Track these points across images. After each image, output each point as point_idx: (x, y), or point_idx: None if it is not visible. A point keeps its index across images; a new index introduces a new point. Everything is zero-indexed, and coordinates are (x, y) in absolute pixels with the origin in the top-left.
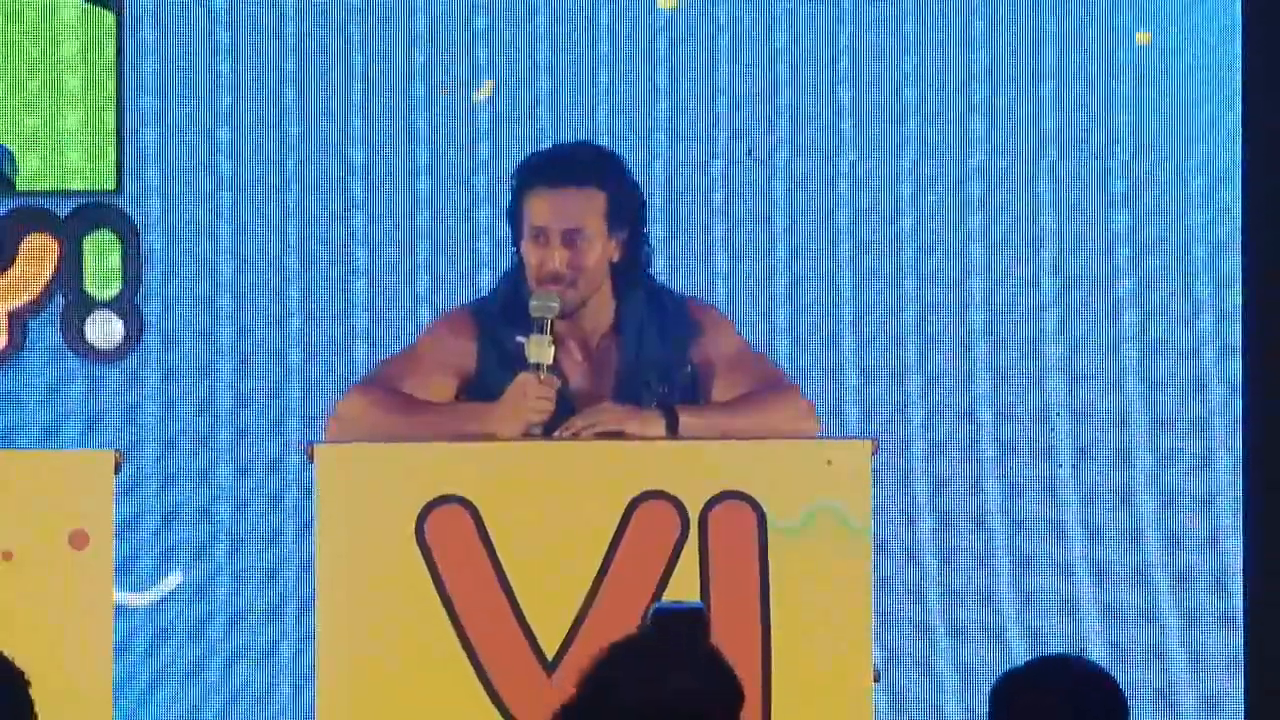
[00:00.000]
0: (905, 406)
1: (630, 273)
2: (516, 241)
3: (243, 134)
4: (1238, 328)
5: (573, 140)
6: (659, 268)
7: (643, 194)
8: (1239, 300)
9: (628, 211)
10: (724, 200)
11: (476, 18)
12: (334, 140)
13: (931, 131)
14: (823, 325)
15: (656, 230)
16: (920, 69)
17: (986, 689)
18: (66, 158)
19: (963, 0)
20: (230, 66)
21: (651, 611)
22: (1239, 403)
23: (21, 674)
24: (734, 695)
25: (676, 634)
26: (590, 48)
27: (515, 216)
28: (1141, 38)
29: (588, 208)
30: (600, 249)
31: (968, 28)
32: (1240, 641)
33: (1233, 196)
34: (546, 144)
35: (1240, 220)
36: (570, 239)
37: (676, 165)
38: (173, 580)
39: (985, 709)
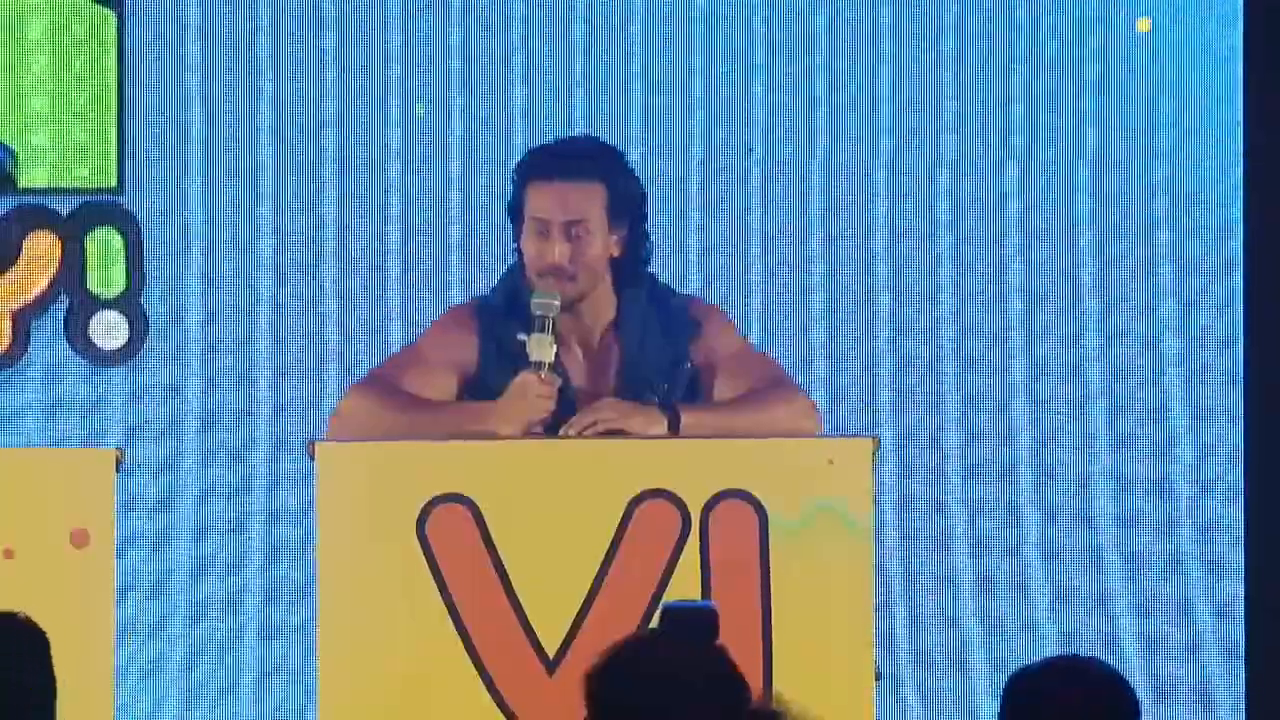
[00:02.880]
0: (940, 400)
1: (631, 268)
2: (517, 236)
3: (247, 130)
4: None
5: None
6: (691, 265)
7: (644, 189)
8: (1239, 292)
9: (629, 206)
10: (759, 195)
11: (512, 5)
12: (342, 134)
13: (969, 125)
14: (856, 319)
15: (690, 229)
16: (956, 66)
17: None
18: (70, 154)
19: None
20: (244, 57)
21: (661, 610)
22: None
23: (42, 634)
24: (740, 695)
25: (686, 633)
26: (623, 46)
27: (516, 210)
28: (1141, 25)
29: (589, 201)
30: (601, 243)
31: (1010, 15)
32: (1241, 634)
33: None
34: (580, 133)
35: (1242, 216)
36: (571, 232)
37: (709, 164)
38: None
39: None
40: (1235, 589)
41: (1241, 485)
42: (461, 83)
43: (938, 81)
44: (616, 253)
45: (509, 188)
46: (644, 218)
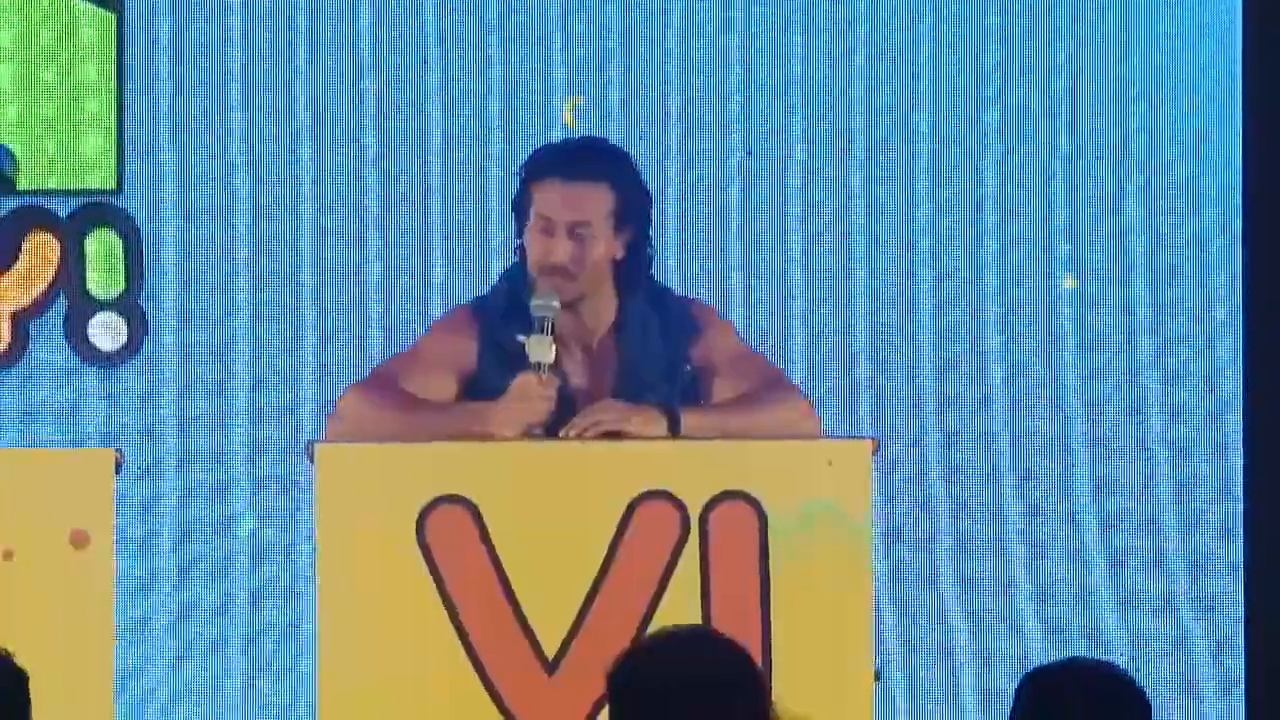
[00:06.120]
0: (919, 400)
1: (632, 272)
2: (520, 232)
3: (247, 130)
4: (1239, 329)
5: (582, 136)
6: (673, 262)
7: (650, 195)
8: (1239, 302)
9: (634, 211)
10: (739, 195)
11: (488, 9)
12: (341, 134)
13: (947, 127)
14: (837, 320)
15: (672, 226)
16: (934, 64)
17: (1000, 680)
18: (70, 155)
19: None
20: (235, 61)
21: None
22: (1241, 397)
23: (21, 672)
24: (756, 686)
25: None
26: (601, 42)
27: (521, 206)
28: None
29: (596, 203)
30: (604, 246)
31: (988, 19)
32: (1242, 628)
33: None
34: (559, 136)
35: (1240, 222)
36: (576, 232)
37: (691, 160)
38: None
39: (990, 698)
40: (1220, 585)
41: (1225, 480)
42: (440, 87)
43: (914, 89)
44: (619, 255)
45: (511, 186)
46: (648, 223)
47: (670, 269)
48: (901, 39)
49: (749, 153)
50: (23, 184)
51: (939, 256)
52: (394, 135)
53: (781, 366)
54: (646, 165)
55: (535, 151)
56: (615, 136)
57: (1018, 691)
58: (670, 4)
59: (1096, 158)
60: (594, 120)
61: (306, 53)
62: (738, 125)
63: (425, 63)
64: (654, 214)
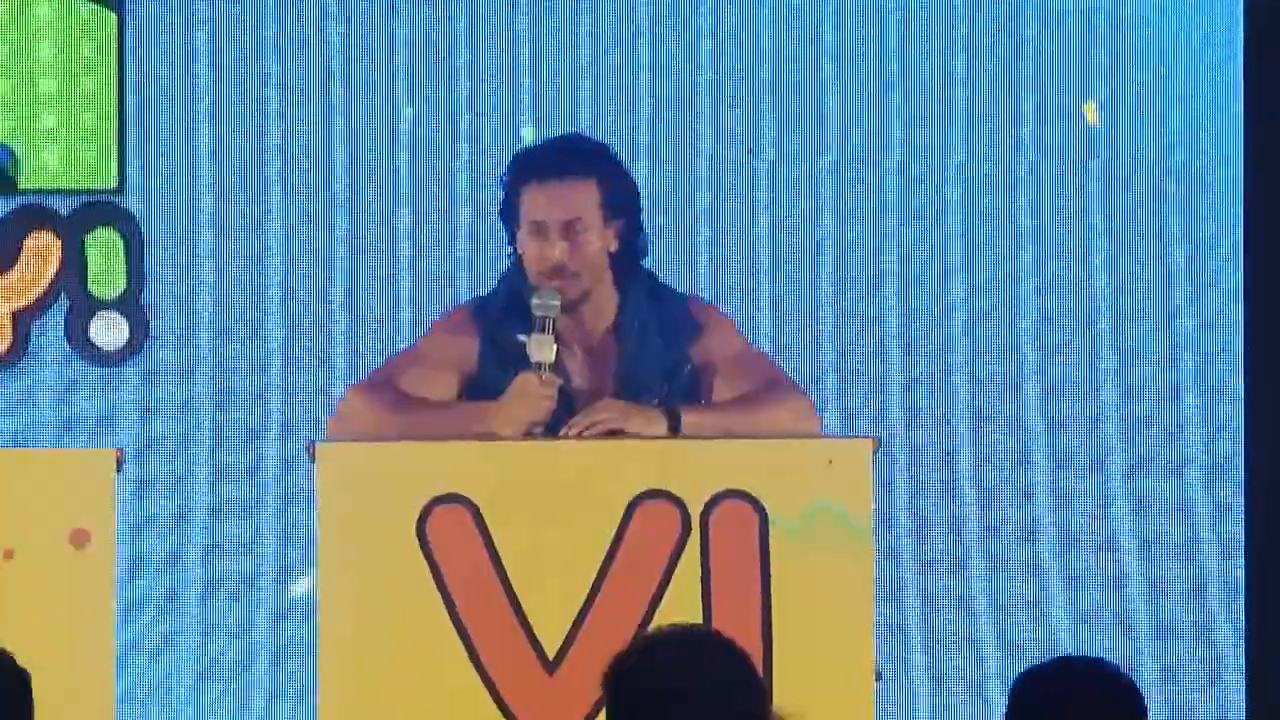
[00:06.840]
0: (950, 413)
1: (629, 262)
2: (511, 240)
3: (249, 130)
4: (1239, 336)
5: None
6: (701, 267)
7: (635, 181)
8: (1240, 308)
9: (622, 199)
10: (767, 198)
11: (518, 19)
12: (346, 136)
13: (980, 139)
14: (867, 329)
15: (701, 231)
16: (969, 73)
17: (987, 690)
18: (71, 155)
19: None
20: (246, 54)
21: None
22: (1241, 412)
23: (23, 672)
24: (756, 686)
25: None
26: (632, 49)
27: (509, 215)
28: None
29: (584, 198)
30: (598, 239)
31: (1019, 33)
32: (1242, 652)
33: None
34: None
35: (1242, 230)
36: (569, 230)
37: (719, 164)
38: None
39: (979, 709)
40: (1260, 610)
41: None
42: (468, 81)
43: (946, 95)
44: (613, 247)
45: (500, 193)
46: (638, 211)
47: (701, 276)
48: (937, 54)
49: (750, 151)
50: (23, 181)
51: (972, 268)
52: (422, 144)
53: (809, 372)
54: (675, 172)
55: (515, 157)
56: (644, 145)
57: (1013, 691)
58: (699, 13)
59: (1133, 167)
60: (620, 129)
61: (340, 60)
62: (769, 132)
63: (454, 72)
64: (654, 211)
